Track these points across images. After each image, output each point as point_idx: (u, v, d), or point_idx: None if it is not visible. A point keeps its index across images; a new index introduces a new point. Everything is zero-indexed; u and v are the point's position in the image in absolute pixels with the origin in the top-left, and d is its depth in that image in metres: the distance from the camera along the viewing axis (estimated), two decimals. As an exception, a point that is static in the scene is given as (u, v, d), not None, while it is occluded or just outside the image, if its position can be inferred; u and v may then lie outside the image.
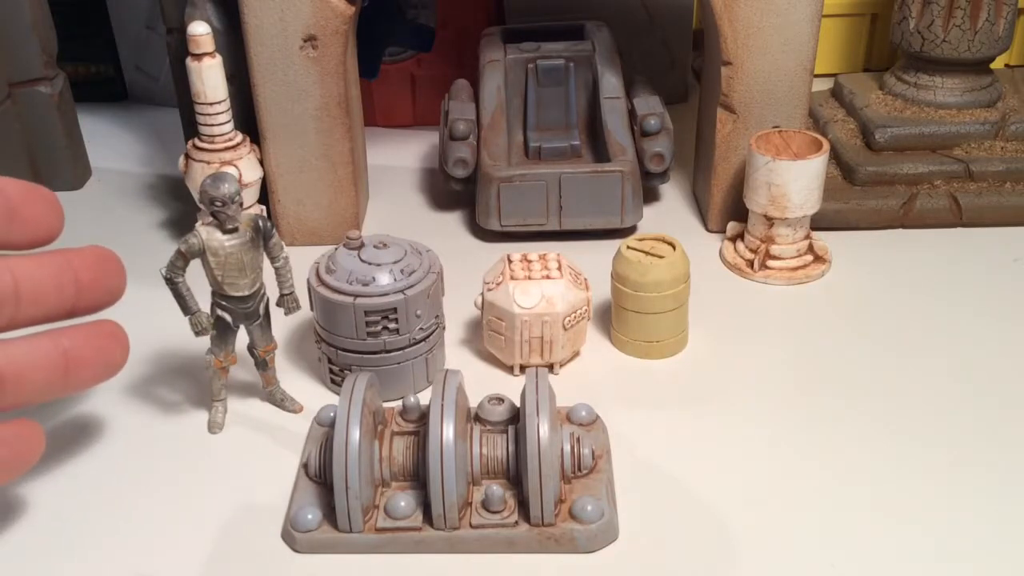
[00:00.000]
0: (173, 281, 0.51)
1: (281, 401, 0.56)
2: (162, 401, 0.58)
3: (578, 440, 0.49)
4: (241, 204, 0.50)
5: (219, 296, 0.52)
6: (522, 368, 0.58)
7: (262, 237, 0.51)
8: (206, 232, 0.50)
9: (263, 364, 0.55)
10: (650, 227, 0.72)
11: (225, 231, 0.50)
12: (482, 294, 0.58)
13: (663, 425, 0.55)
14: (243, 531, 0.48)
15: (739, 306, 0.65)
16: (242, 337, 0.54)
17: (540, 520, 0.46)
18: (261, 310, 0.53)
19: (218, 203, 0.49)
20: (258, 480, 0.51)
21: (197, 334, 0.52)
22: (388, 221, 0.76)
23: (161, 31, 0.86)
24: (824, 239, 0.70)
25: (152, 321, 0.63)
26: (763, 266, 0.67)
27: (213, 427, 0.55)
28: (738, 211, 0.70)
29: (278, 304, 0.54)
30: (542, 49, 0.76)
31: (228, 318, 0.52)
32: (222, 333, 0.53)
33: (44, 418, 0.56)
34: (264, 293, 0.53)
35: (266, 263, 0.53)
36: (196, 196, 0.68)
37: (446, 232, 0.74)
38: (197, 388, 0.58)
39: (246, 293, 0.52)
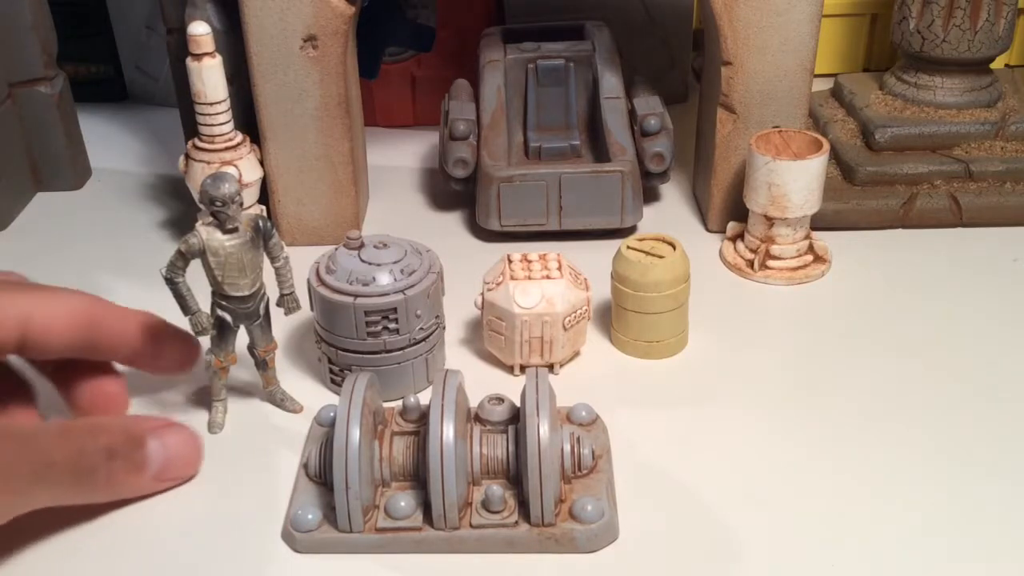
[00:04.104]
0: (173, 281, 0.51)
1: (282, 401, 0.56)
2: (162, 401, 0.57)
3: (578, 440, 0.49)
4: (241, 204, 0.50)
5: (219, 296, 0.52)
6: (522, 368, 0.58)
7: (262, 237, 0.51)
8: (206, 232, 0.50)
9: (263, 364, 0.55)
10: (650, 227, 0.72)
11: (225, 231, 0.50)
12: (482, 294, 0.58)
13: (663, 425, 0.55)
14: (243, 531, 0.48)
15: (739, 306, 0.65)
16: (241, 337, 0.54)
17: (540, 520, 0.46)
18: (261, 310, 0.53)
19: (218, 203, 0.49)
20: (258, 480, 0.51)
21: (197, 334, 0.52)
22: (388, 221, 0.76)
23: (161, 31, 0.86)
24: (824, 239, 0.70)
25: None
26: (763, 266, 0.67)
27: (213, 427, 0.55)
28: (738, 211, 0.70)
29: (278, 304, 0.54)
30: (542, 49, 0.76)
31: (228, 318, 0.52)
32: (222, 333, 0.53)
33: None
34: (264, 293, 0.53)
35: (266, 263, 0.53)
36: (196, 196, 0.68)
37: (446, 232, 0.74)
38: (197, 388, 0.58)
39: (246, 293, 0.52)
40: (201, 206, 0.68)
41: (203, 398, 0.57)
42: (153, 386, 0.58)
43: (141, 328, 0.53)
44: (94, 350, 0.52)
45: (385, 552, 0.47)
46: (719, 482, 0.50)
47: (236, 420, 0.56)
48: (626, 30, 0.89)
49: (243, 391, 0.58)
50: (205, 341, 0.53)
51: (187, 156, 0.67)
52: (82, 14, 0.94)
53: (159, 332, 0.54)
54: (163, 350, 0.54)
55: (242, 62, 0.68)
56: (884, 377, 0.58)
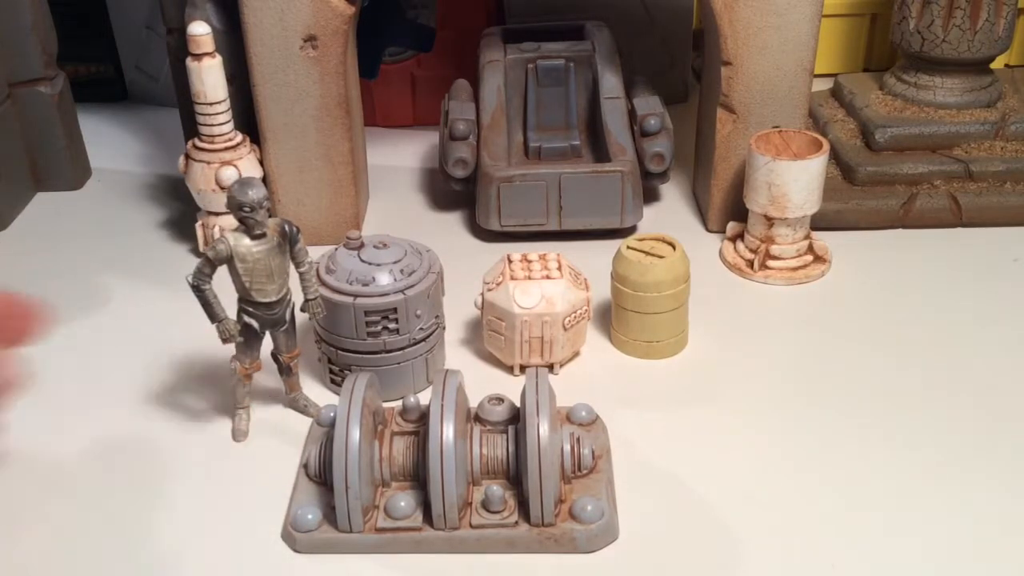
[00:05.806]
0: (200, 288, 0.50)
1: (305, 407, 0.56)
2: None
3: (578, 440, 0.49)
4: (269, 209, 0.49)
5: (246, 303, 0.51)
6: (522, 368, 0.58)
7: (288, 242, 0.51)
8: (233, 238, 0.49)
9: (287, 370, 0.55)
10: (650, 227, 0.72)
11: (253, 237, 0.49)
12: (482, 294, 0.58)
13: (663, 425, 0.55)
14: (243, 531, 0.48)
15: (739, 306, 0.65)
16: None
17: (540, 520, 0.46)
18: (287, 316, 0.53)
19: (246, 208, 0.48)
20: (258, 480, 0.51)
21: (225, 341, 0.52)
22: (388, 221, 0.76)
23: (161, 31, 0.86)
24: (824, 239, 0.70)
25: (152, 320, 0.64)
26: (763, 266, 0.67)
27: (237, 435, 0.54)
28: (738, 211, 0.70)
29: (303, 309, 0.53)
30: (542, 49, 0.76)
31: (255, 324, 0.52)
32: (248, 340, 0.52)
33: (49, 426, 0.56)
34: (290, 299, 0.53)
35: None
36: (196, 196, 0.68)
37: (446, 232, 0.74)
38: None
39: (274, 299, 0.51)
40: (201, 207, 0.69)
41: (204, 399, 0.57)
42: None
43: None
44: None
45: (385, 552, 0.47)
46: (719, 482, 0.50)
47: (236, 420, 0.56)
48: (626, 30, 0.89)
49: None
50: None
51: (187, 156, 0.67)
52: (82, 14, 0.94)
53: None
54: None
55: (242, 62, 0.68)
56: (884, 377, 0.58)
